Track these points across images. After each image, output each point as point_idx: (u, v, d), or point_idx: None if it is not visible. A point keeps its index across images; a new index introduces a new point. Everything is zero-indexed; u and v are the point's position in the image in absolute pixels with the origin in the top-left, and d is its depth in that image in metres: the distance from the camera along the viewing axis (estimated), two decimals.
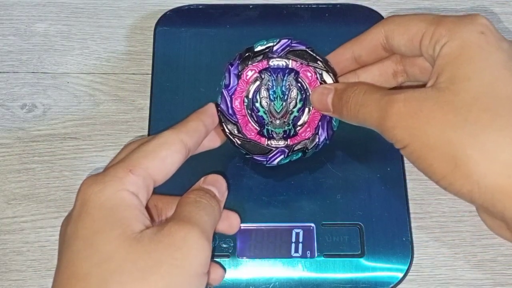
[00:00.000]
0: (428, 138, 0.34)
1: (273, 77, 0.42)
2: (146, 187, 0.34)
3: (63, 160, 0.47)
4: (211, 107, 0.41)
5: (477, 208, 0.37)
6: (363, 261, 0.42)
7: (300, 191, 0.44)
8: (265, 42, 0.42)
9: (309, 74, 0.42)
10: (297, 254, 0.43)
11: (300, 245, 0.43)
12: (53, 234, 0.45)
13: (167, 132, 0.36)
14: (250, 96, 0.43)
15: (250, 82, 0.42)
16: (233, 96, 0.42)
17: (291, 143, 0.42)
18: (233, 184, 0.44)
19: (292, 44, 0.42)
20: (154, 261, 0.31)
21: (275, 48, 0.42)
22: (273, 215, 0.44)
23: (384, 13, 0.51)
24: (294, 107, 0.42)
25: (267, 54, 0.42)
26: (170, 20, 0.51)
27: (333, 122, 0.42)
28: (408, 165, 0.46)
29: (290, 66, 0.42)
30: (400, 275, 0.42)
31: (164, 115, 0.47)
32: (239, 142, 0.42)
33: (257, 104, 0.43)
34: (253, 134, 0.42)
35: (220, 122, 0.42)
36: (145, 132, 0.47)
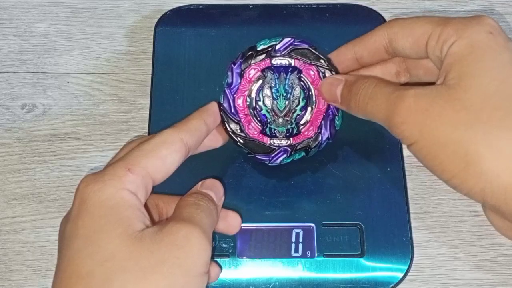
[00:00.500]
0: (439, 135, 0.33)
1: (276, 76, 0.42)
2: (144, 186, 0.34)
3: (63, 160, 0.47)
4: (213, 106, 0.41)
5: (485, 209, 0.37)
6: (363, 261, 0.42)
7: (300, 191, 0.44)
8: (267, 41, 0.42)
9: (311, 73, 0.42)
10: (297, 254, 0.43)
11: (300, 245, 0.43)
12: (53, 234, 0.45)
13: (167, 131, 0.36)
14: (253, 95, 0.42)
15: (252, 81, 0.42)
16: (235, 95, 0.42)
17: (294, 142, 0.42)
18: (233, 184, 0.44)
19: (295, 43, 0.42)
20: (157, 260, 0.31)
21: (277, 47, 0.42)
22: (273, 215, 0.44)
23: (384, 13, 0.51)
24: (297, 106, 0.42)
25: (270, 52, 0.42)
26: (170, 20, 0.51)
27: (336, 121, 0.42)
28: (408, 165, 0.46)
29: (293, 65, 0.42)
30: (400, 275, 0.42)
31: (164, 115, 0.47)
32: (241, 141, 0.42)
33: (260, 103, 0.42)
34: (255, 133, 0.42)
35: (223, 121, 0.41)
36: (145, 132, 0.47)
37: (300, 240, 0.43)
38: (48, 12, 0.53)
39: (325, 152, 0.43)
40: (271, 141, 0.42)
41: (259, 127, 0.42)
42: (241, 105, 0.42)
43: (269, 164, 0.42)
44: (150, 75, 0.49)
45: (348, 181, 0.45)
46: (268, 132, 0.42)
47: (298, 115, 0.42)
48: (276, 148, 0.42)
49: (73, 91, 0.50)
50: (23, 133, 0.48)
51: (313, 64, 0.42)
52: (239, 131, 0.42)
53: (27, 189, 0.46)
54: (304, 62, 0.42)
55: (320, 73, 0.42)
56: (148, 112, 0.47)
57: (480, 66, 0.34)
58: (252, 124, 0.42)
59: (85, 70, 0.51)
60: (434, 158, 0.34)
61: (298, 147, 0.42)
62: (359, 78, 0.39)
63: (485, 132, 0.33)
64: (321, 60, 0.42)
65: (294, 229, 0.43)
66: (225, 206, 0.41)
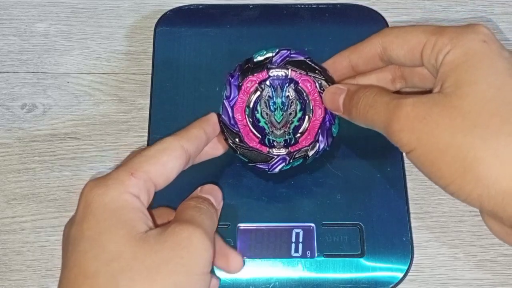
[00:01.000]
0: (437, 142, 0.34)
1: (273, 88, 0.43)
2: (147, 190, 0.35)
3: (63, 160, 0.47)
4: (212, 116, 0.42)
5: (483, 215, 0.37)
6: (363, 261, 0.42)
7: (300, 191, 0.44)
8: (264, 52, 0.43)
9: (308, 84, 0.43)
10: (297, 254, 0.43)
11: (300, 245, 0.43)
12: (53, 234, 0.45)
13: (168, 139, 0.38)
14: (251, 106, 0.43)
15: (250, 93, 0.43)
16: (234, 107, 0.43)
17: (292, 150, 0.43)
18: (234, 184, 0.44)
19: (291, 55, 0.43)
20: (161, 260, 0.32)
21: (274, 59, 0.43)
22: (273, 215, 0.44)
23: (384, 13, 0.51)
24: (294, 117, 0.43)
25: (266, 64, 0.43)
26: (170, 20, 0.51)
27: (333, 129, 0.43)
28: (408, 165, 0.46)
29: (289, 76, 0.43)
30: (400, 275, 0.42)
31: (164, 115, 0.47)
32: (241, 151, 0.42)
33: (258, 115, 0.43)
34: (254, 143, 0.43)
35: (222, 132, 0.42)
36: (145, 132, 0.47)
37: (300, 240, 0.43)
38: (48, 12, 0.53)
39: (325, 152, 0.43)
40: (270, 150, 0.43)
41: (258, 137, 0.43)
42: (240, 116, 0.43)
43: (269, 172, 0.43)
44: (150, 75, 0.49)
45: (348, 181, 0.45)
46: (266, 142, 0.43)
47: (295, 125, 0.43)
48: (275, 156, 0.43)
49: (73, 91, 0.50)
50: (23, 133, 0.48)
51: (309, 75, 0.43)
52: (238, 141, 0.42)
53: (27, 189, 0.46)
54: (300, 73, 0.43)
55: (316, 84, 0.43)
56: (148, 112, 0.47)
57: (476, 74, 0.34)
58: (251, 134, 0.43)
59: (85, 70, 0.51)
60: (432, 164, 0.35)
61: (297, 156, 0.43)
62: (360, 88, 0.40)
63: (483, 138, 0.33)
64: (317, 71, 0.43)
65: (294, 229, 0.43)
66: (226, 206, 0.42)
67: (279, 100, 0.43)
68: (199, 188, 0.40)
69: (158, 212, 0.40)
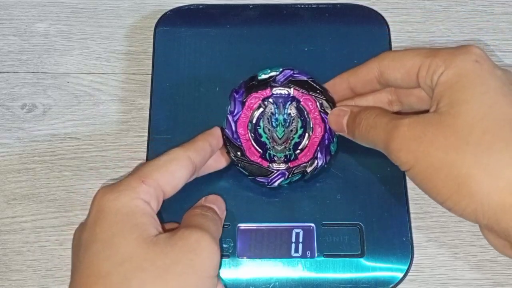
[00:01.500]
0: (432, 161, 0.35)
1: (276, 106, 0.45)
2: (156, 197, 0.38)
3: (63, 160, 0.47)
4: (216, 130, 0.44)
5: (481, 229, 0.38)
6: (363, 261, 0.42)
7: (300, 191, 0.44)
8: (268, 71, 0.45)
9: (309, 103, 0.45)
10: (297, 254, 0.43)
11: (300, 245, 0.43)
12: (53, 234, 0.45)
13: (175, 150, 0.40)
14: (254, 121, 0.45)
15: (254, 109, 0.45)
16: (237, 122, 0.44)
17: (291, 165, 0.44)
18: (234, 184, 0.45)
19: (294, 74, 0.45)
20: (171, 261, 0.34)
21: (277, 78, 0.45)
22: (273, 215, 0.44)
23: (384, 13, 0.51)
24: (295, 134, 0.45)
25: (270, 83, 0.45)
26: (170, 20, 0.51)
27: (331, 147, 0.44)
28: None
29: (292, 95, 0.45)
30: (400, 275, 0.42)
31: (164, 115, 0.47)
32: (242, 165, 0.43)
33: (260, 130, 0.45)
34: (255, 157, 0.44)
35: (225, 145, 0.44)
36: (145, 132, 0.47)
37: (300, 240, 0.43)
38: (48, 12, 0.53)
39: (323, 169, 0.44)
40: (270, 165, 0.44)
41: (259, 152, 0.44)
42: (242, 131, 0.44)
43: (268, 186, 0.44)
44: (150, 75, 0.49)
45: (348, 181, 0.45)
46: (267, 157, 0.44)
47: (296, 142, 0.44)
48: (275, 171, 0.43)
49: (73, 91, 0.50)
50: (23, 133, 0.48)
51: (311, 95, 0.45)
52: (240, 155, 0.44)
53: (27, 189, 0.46)
54: (302, 92, 0.45)
55: (317, 103, 0.44)
56: (148, 112, 0.47)
57: (468, 93, 0.36)
58: (252, 148, 0.44)
59: (85, 70, 0.51)
60: (429, 182, 0.36)
61: (296, 171, 0.44)
62: (362, 109, 0.41)
63: (475, 154, 0.34)
64: (318, 91, 0.44)
65: (294, 229, 0.43)
66: (226, 206, 0.43)
67: (281, 117, 0.45)
68: (203, 198, 0.43)
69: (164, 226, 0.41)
